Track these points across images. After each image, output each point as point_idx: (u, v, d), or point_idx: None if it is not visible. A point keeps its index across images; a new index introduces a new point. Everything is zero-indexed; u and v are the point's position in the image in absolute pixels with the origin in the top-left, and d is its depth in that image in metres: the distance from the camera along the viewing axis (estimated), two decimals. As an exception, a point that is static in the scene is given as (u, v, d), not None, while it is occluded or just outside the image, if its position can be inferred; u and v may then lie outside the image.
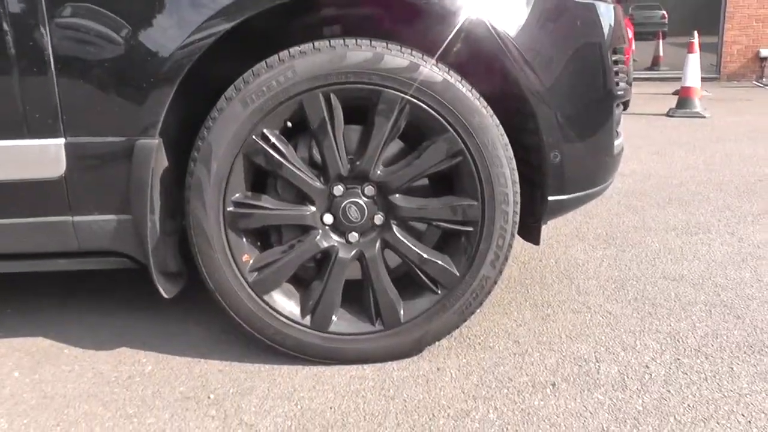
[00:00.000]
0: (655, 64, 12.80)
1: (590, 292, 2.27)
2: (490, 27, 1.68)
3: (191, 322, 2.09)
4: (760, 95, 8.96)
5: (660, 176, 4.13)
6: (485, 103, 1.72)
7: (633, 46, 12.27)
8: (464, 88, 1.70)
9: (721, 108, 7.33)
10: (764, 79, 10.37)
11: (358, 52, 1.65)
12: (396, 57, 1.66)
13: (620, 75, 1.98)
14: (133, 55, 1.61)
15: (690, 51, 6.96)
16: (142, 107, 1.64)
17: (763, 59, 10.46)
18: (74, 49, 1.61)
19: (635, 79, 10.49)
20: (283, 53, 1.67)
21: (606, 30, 1.86)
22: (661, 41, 12.93)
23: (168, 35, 1.61)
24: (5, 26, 1.58)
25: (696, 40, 7.03)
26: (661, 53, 12.81)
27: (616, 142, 2.02)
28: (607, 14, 1.89)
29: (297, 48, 1.67)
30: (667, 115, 6.89)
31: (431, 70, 1.67)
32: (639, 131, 5.93)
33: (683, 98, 6.87)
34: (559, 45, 1.77)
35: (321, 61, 1.65)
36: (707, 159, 4.62)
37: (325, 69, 1.65)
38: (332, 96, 1.67)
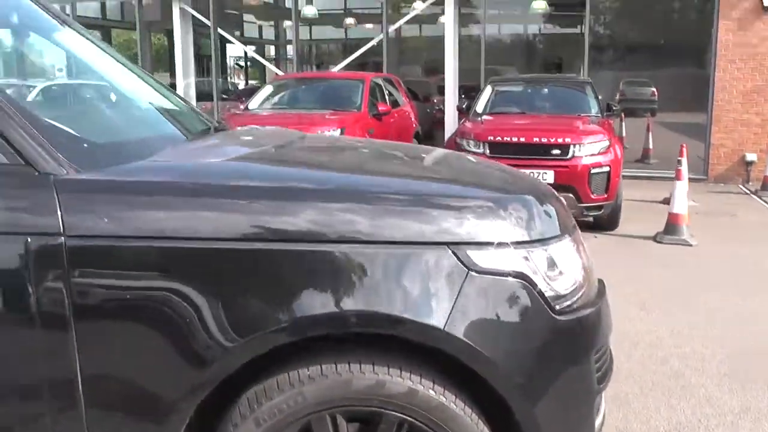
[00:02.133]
0: (645, 156, 13.08)
1: None
2: (479, 353, 1.84)
3: None
4: (745, 207, 9.23)
5: (645, 345, 4.28)
6: (482, 427, 1.89)
7: (623, 132, 12.48)
8: (457, 408, 1.87)
9: (708, 231, 7.47)
10: (750, 183, 10.69)
11: (361, 379, 1.83)
12: (396, 384, 1.84)
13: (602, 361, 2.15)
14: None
15: (677, 178, 7.21)
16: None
17: (749, 163, 10.80)
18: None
19: (625, 177, 10.74)
20: (293, 376, 1.84)
21: (592, 340, 2.05)
22: (650, 134, 13.16)
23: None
24: None
25: (684, 167, 7.28)
26: (651, 145, 13.06)
27: (597, 422, 2.18)
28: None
29: (306, 372, 1.84)
30: (655, 240, 7.10)
31: (428, 393, 1.85)
32: (624, 265, 6.00)
33: (671, 224, 7.09)
34: (546, 368, 1.95)
35: (328, 387, 1.83)
36: (690, 319, 4.75)
37: (331, 395, 1.83)
38: (338, 416, 1.85)
